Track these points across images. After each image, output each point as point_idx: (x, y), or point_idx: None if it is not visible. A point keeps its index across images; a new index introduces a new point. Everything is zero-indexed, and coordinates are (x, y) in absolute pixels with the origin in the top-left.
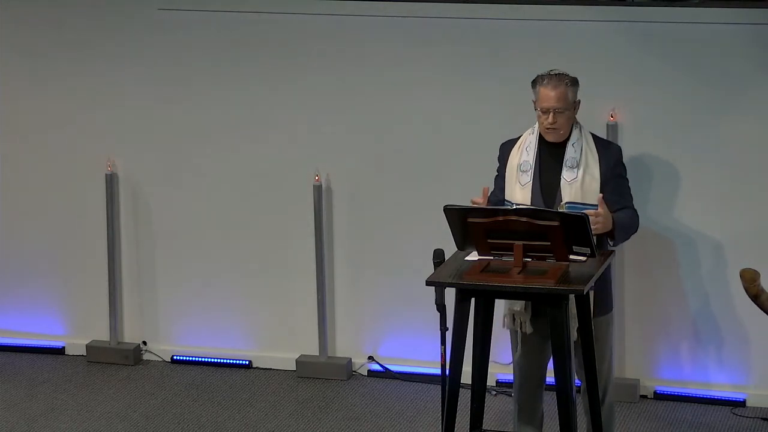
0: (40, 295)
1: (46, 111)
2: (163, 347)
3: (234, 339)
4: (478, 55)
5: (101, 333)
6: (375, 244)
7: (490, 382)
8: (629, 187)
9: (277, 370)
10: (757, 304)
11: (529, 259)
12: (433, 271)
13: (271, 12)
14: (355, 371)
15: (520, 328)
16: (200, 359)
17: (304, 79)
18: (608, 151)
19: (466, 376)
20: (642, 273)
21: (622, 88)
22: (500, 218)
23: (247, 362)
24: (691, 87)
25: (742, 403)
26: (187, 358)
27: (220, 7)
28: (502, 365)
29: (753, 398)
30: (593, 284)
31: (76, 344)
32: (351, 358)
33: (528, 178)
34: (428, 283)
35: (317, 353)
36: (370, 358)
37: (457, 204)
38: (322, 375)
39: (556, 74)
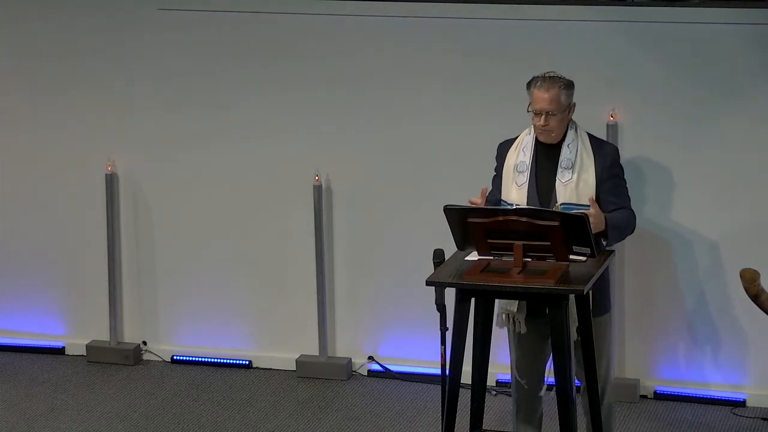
0: (40, 295)
1: (47, 111)
2: (163, 347)
3: (234, 339)
4: (479, 55)
5: (101, 333)
6: (375, 244)
7: (490, 382)
8: (626, 188)
9: (277, 370)
10: (758, 304)
11: (529, 259)
12: (433, 271)
13: (271, 12)
14: (355, 371)
15: (515, 327)
16: (200, 359)
17: (304, 79)
18: (604, 151)
19: (466, 376)
20: (642, 273)
21: (622, 88)
22: (500, 218)
23: (247, 362)
24: (691, 87)
25: (742, 403)
26: (187, 358)
27: (220, 7)
28: (502, 365)
29: (753, 398)
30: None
31: (76, 344)
32: (351, 358)
33: (524, 178)
34: (428, 283)
35: (317, 353)
36: (370, 358)
37: (457, 204)
38: (322, 375)
39: (550, 77)
